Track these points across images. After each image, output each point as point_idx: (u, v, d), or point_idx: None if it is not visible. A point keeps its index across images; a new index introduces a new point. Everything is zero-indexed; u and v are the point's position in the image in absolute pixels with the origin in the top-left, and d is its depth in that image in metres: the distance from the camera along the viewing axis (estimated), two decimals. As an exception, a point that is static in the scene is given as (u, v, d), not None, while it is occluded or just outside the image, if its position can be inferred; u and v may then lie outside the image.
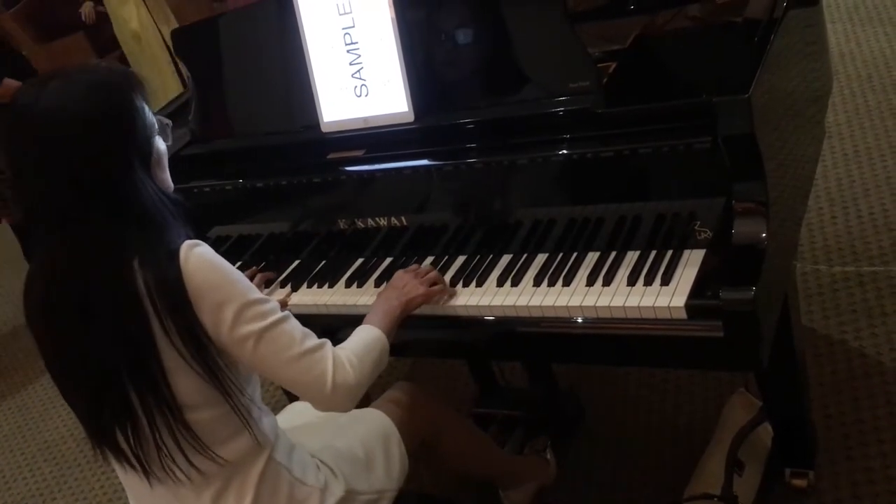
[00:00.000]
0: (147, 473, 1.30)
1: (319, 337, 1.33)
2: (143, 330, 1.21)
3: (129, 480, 1.38)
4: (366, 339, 1.39)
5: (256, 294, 1.27)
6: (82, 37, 5.75)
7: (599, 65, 1.53)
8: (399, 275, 1.56)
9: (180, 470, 1.29)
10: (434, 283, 1.54)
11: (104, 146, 1.22)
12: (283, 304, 1.65)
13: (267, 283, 1.78)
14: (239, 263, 1.85)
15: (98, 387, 1.25)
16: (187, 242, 1.23)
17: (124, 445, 1.29)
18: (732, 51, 1.55)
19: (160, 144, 1.31)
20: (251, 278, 1.56)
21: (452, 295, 1.54)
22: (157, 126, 1.30)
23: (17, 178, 1.25)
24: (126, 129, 1.24)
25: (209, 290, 1.22)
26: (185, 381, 1.25)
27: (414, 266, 1.60)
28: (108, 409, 1.26)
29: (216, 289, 1.22)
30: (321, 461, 1.45)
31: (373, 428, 1.55)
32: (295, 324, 1.30)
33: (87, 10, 5.90)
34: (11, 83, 3.73)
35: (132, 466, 1.30)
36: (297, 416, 1.65)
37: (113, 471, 1.41)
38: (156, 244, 1.22)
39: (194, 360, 1.23)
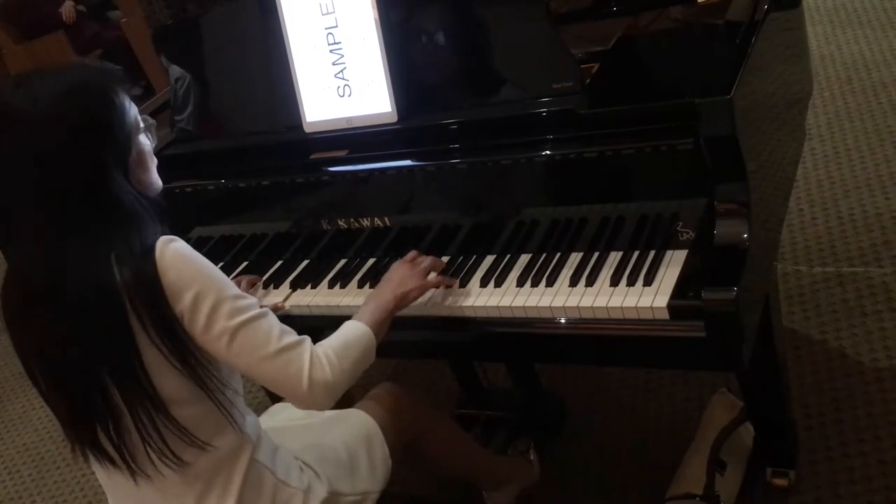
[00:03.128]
0: (133, 471, 1.29)
1: None
2: (122, 326, 1.21)
3: (111, 481, 1.36)
4: (349, 335, 1.37)
5: (233, 290, 1.26)
6: (62, 36, 5.71)
7: (582, 66, 1.53)
8: (395, 267, 1.53)
9: (168, 463, 1.27)
10: (430, 272, 1.52)
11: (77, 147, 1.21)
12: (278, 308, 1.64)
13: (250, 285, 1.77)
14: (220, 264, 1.83)
15: (79, 385, 1.25)
16: (163, 238, 1.23)
17: (107, 444, 1.28)
18: (714, 53, 1.55)
19: (143, 144, 1.30)
20: (238, 284, 1.54)
21: (449, 286, 1.53)
22: (141, 124, 1.29)
23: None
24: (102, 129, 1.23)
25: (184, 285, 1.22)
26: (169, 377, 1.24)
27: (412, 254, 1.56)
28: (90, 407, 1.25)
29: (191, 283, 1.22)
30: (304, 463, 1.44)
31: (356, 429, 1.55)
32: (273, 320, 1.29)
33: (67, 9, 5.86)
34: None
35: (116, 465, 1.29)
36: (279, 418, 1.65)
37: (93, 473, 1.39)
38: (132, 241, 1.21)
39: (172, 356, 1.23)
